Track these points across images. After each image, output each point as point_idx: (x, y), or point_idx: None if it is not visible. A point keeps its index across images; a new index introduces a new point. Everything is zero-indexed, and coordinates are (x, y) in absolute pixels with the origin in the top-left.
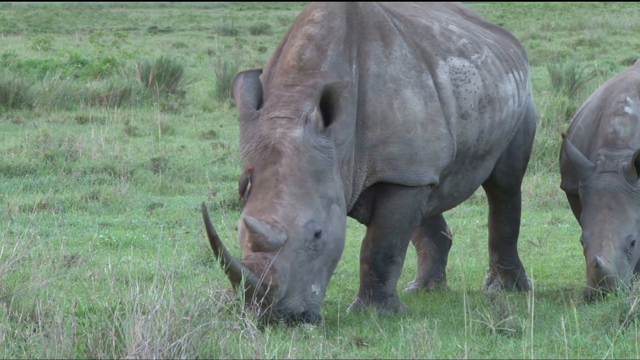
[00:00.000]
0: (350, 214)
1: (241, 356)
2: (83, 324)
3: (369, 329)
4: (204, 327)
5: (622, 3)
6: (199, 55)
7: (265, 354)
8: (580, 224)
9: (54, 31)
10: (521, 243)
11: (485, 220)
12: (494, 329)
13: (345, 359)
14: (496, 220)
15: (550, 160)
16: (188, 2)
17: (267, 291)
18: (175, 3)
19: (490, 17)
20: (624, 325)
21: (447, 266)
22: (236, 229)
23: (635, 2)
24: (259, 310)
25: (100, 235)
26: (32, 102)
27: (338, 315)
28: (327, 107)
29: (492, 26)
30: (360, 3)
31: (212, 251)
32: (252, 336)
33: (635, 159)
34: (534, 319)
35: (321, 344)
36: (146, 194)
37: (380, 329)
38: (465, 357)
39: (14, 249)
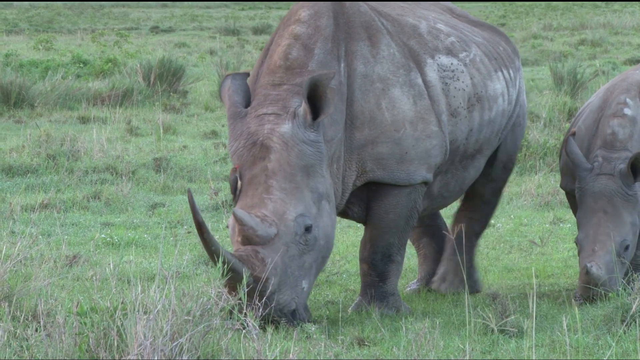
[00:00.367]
0: (345, 213)
1: (243, 356)
2: (85, 323)
3: (371, 328)
4: (206, 327)
5: (624, 3)
6: (200, 55)
7: (267, 353)
8: (577, 224)
9: (56, 31)
10: (523, 243)
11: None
12: (495, 328)
13: (347, 358)
14: (468, 217)
15: (552, 160)
16: (190, 2)
17: (257, 283)
18: (177, 3)
19: (492, 17)
20: (626, 325)
21: None
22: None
23: (637, 2)
24: (245, 297)
25: (102, 235)
26: (34, 102)
27: (340, 315)
28: (315, 100)
29: (481, 24)
30: (347, 3)
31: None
32: (254, 336)
33: (632, 163)
34: (535, 318)
35: (323, 344)
36: (148, 193)
37: (382, 329)
38: (467, 357)
39: (16, 249)
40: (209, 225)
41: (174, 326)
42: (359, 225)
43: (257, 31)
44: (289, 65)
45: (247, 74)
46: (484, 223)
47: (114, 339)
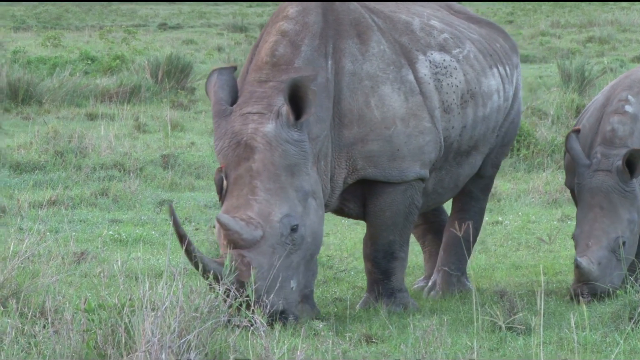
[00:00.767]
0: (341, 210)
1: (251, 353)
2: (92, 320)
3: (379, 325)
4: (214, 324)
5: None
6: (208, 52)
7: (275, 350)
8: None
9: (64, 28)
10: (531, 240)
11: (495, 217)
12: (503, 326)
13: (355, 355)
14: (459, 218)
15: (560, 158)
16: None
17: (242, 286)
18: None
19: (500, 15)
20: (634, 323)
21: None
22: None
23: None
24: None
25: (110, 232)
26: (42, 99)
27: (348, 312)
28: (297, 101)
29: (479, 20)
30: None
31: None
32: (262, 333)
33: (627, 159)
34: (543, 316)
35: (330, 341)
36: (156, 190)
37: (390, 326)
38: (475, 354)
39: (24, 246)
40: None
41: (181, 323)
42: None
43: None
44: (275, 62)
45: (234, 69)
46: (477, 224)
47: (121, 336)
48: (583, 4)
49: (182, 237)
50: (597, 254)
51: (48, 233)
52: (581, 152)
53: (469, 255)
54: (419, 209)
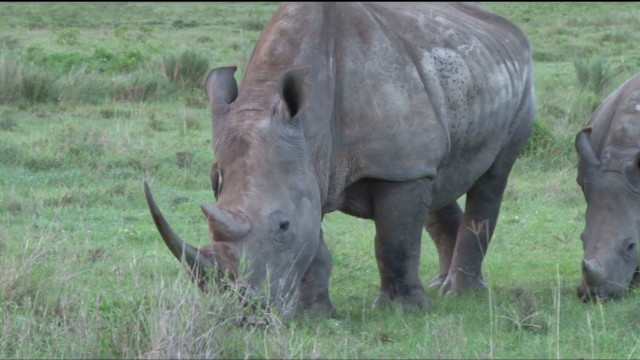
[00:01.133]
0: (347, 209)
1: (266, 351)
2: (108, 318)
3: (394, 324)
4: (229, 322)
5: None
6: (224, 50)
7: (290, 349)
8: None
9: (79, 25)
10: (547, 239)
11: (512, 216)
12: (519, 325)
13: (370, 354)
14: (474, 218)
15: (576, 156)
16: None
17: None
18: None
19: (516, 13)
20: None
21: None
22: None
23: None
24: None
25: (125, 230)
26: (58, 96)
27: (363, 311)
28: (292, 96)
29: (488, 16)
30: None
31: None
32: (277, 331)
33: (639, 160)
34: (559, 315)
35: (346, 339)
36: (171, 188)
37: (406, 325)
38: (491, 353)
39: (39, 243)
40: None
41: (196, 321)
42: None
43: None
44: (274, 61)
45: (234, 68)
46: (491, 225)
47: (136, 334)
48: (600, 2)
49: (157, 217)
50: (605, 256)
51: (63, 231)
52: (591, 152)
53: (484, 254)
54: (428, 207)
